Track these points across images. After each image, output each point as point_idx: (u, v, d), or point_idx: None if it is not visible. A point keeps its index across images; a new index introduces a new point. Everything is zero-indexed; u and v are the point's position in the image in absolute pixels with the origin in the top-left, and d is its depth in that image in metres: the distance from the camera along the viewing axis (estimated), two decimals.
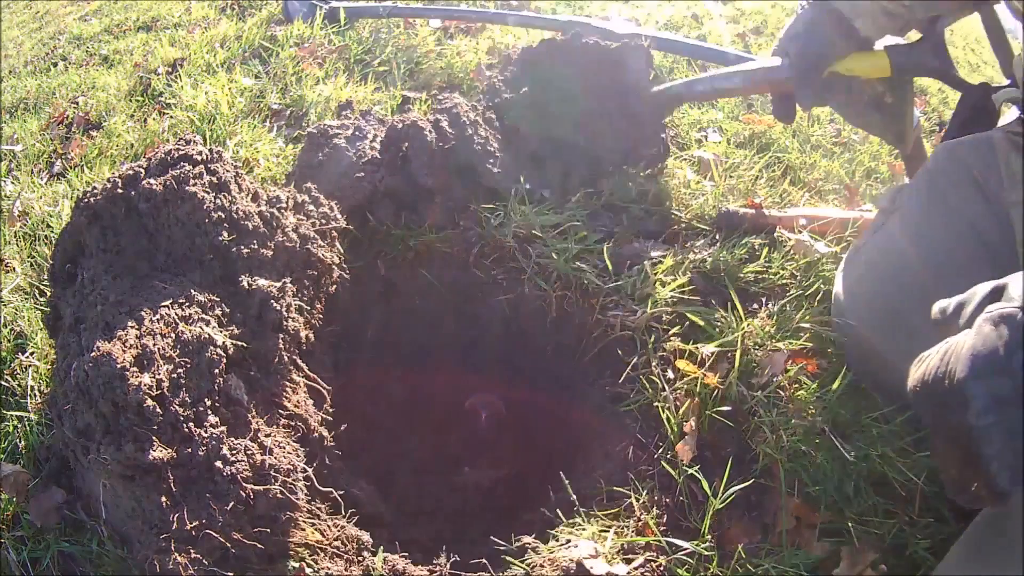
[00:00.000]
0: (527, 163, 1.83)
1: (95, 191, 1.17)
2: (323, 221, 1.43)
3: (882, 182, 2.25)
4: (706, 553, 1.08)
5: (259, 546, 0.98)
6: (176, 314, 1.06)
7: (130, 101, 2.45)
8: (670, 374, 1.33)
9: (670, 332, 1.39)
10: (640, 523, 1.13)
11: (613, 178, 1.83)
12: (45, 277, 1.54)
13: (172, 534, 0.93)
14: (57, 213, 1.79)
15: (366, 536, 1.14)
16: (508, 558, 1.10)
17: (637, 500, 1.15)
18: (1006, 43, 1.37)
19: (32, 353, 1.39)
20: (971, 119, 1.32)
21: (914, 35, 1.48)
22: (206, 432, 1.00)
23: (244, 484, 0.98)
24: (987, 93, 1.32)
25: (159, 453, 0.93)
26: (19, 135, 2.40)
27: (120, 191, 1.16)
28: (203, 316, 1.09)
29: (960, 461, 0.69)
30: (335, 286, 1.41)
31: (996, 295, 0.71)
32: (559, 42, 1.91)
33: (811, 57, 1.48)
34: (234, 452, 1.00)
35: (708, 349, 1.33)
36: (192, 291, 1.11)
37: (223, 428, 1.02)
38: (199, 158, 1.25)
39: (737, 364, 1.28)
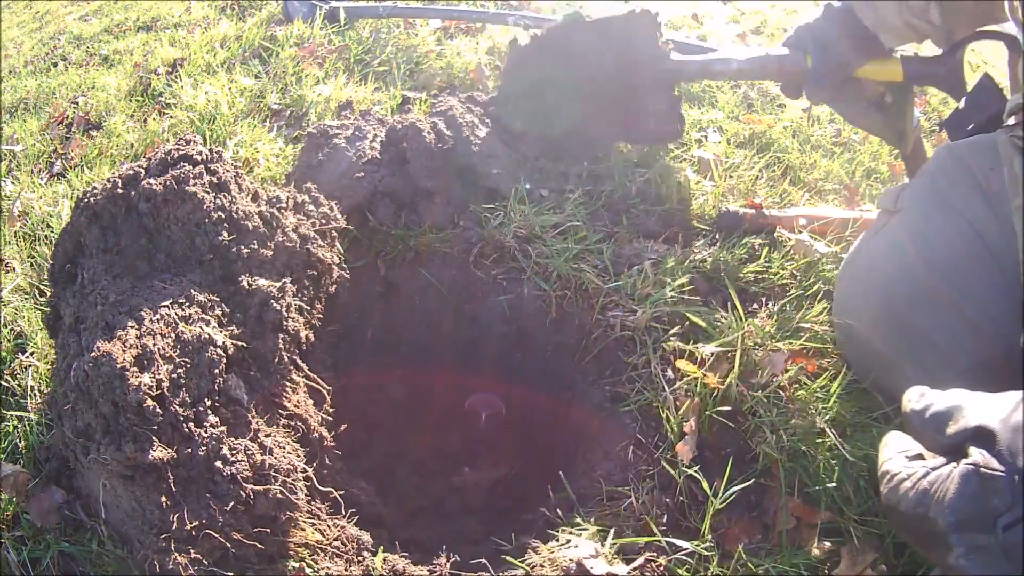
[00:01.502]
0: (529, 166, 1.83)
1: (95, 191, 1.17)
2: (323, 221, 1.43)
3: (882, 182, 2.25)
4: (706, 553, 1.08)
5: (259, 546, 0.98)
6: (176, 314, 1.06)
7: (130, 101, 2.45)
8: (670, 374, 1.33)
9: (670, 332, 1.39)
10: (640, 523, 1.13)
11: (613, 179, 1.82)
12: (45, 277, 1.53)
13: (172, 534, 0.93)
14: (57, 213, 1.80)
15: (366, 536, 1.14)
16: (508, 558, 1.10)
17: (637, 500, 1.15)
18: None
19: (32, 353, 1.39)
20: (975, 113, 1.33)
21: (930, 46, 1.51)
22: (206, 432, 1.00)
23: (244, 484, 0.98)
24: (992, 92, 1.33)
25: (159, 453, 0.93)
26: (19, 135, 2.40)
27: (120, 191, 1.16)
28: (203, 316, 1.09)
29: (936, 562, 0.73)
30: (335, 286, 1.41)
31: (985, 439, 0.71)
32: (555, 31, 1.85)
33: (832, 67, 1.53)
34: (234, 452, 1.00)
35: (708, 349, 1.33)
36: (192, 291, 1.11)
37: (223, 428, 1.02)
38: (199, 158, 1.24)
39: (737, 364, 1.28)
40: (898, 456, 0.78)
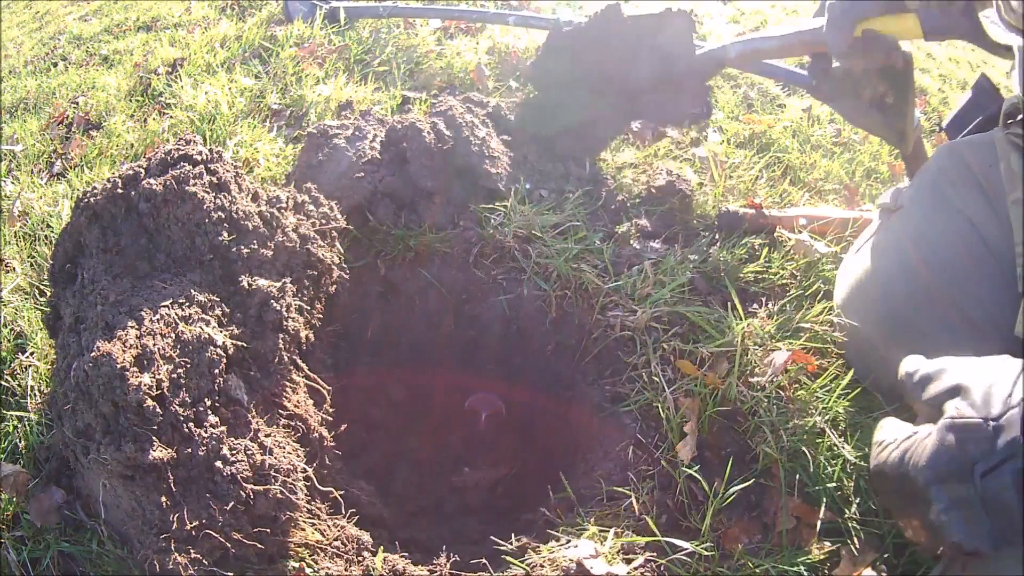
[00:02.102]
0: (529, 166, 1.83)
1: (95, 191, 1.17)
2: (323, 221, 1.43)
3: (882, 182, 2.26)
4: (706, 553, 1.08)
5: (259, 546, 0.98)
6: (176, 314, 1.06)
7: (130, 101, 2.45)
8: (670, 374, 1.33)
9: (670, 332, 1.39)
10: (640, 523, 1.13)
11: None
12: (45, 277, 1.53)
13: (172, 534, 0.93)
14: (57, 213, 1.79)
15: (366, 536, 1.14)
16: (508, 558, 1.10)
17: (637, 500, 1.15)
18: None
19: (32, 353, 1.39)
20: (976, 108, 1.32)
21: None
22: (206, 432, 1.00)
23: (244, 484, 0.98)
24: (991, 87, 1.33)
25: (159, 453, 0.93)
26: (19, 135, 2.40)
27: (120, 191, 1.16)
28: (203, 316, 1.09)
29: (923, 534, 0.73)
30: (335, 286, 1.41)
31: (962, 395, 0.73)
32: (592, 24, 1.92)
33: (846, 7, 1.49)
34: (234, 452, 1.00)
35: (708, 349, 1.33)
36: (192, 291, 1.11)
37: (223, 428, 1.02)
38: (199, 158, 1.24)
39: (737, 364, 1.28)
40: (890, 431, 0.81)
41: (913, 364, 0.84)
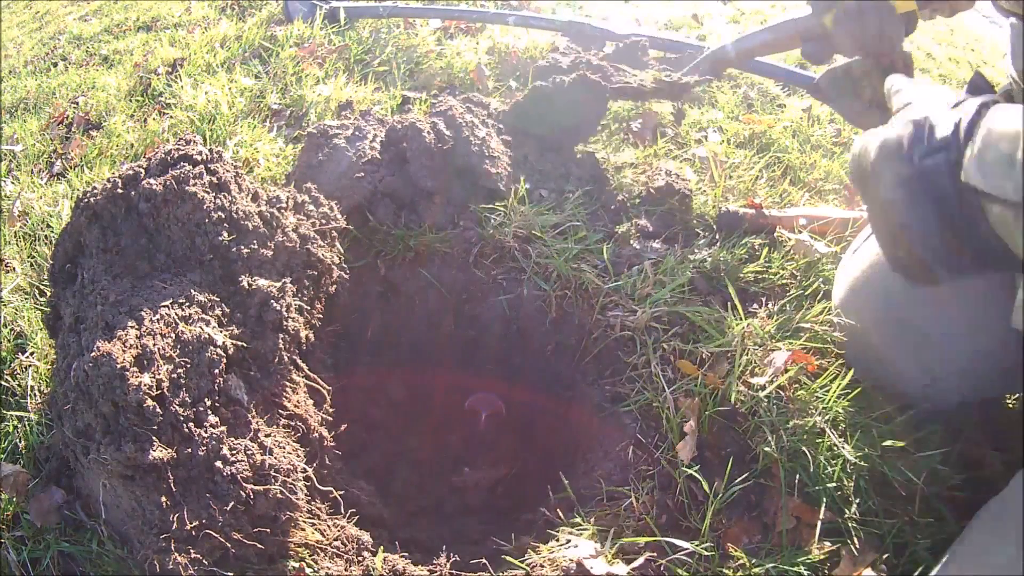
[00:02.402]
0: (529, 166, 1.84)
1: (95, 191, 1.17)
2: (323, 221, 1.43)
3: None
4: (706, 553, 1.08)
5: (259, 546, 0.98)
6: (176, 314, 1.06)
7: (130, 101, 2.45)
8: (670, 374, 1.33)
9: (670, 332, 1.39)
10: (640, 523, 1.13)
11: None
12: (45, 277, 1.54)
13: (172, 534, 0.93)
14: (57, 213, 1.80)
15: (366, 536, 1.14)
16: (508, 558, 1.10)
17: (637, 500, 1.15)
18: None
19: (32, 353, 1.39)
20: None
21: None
22: (206, 432, 1.00)
23: (244, 484, 0.98)
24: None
25: (159, 453, 0.93)
26: (19, 135, 2.40)
27: (120, 191, 1.16)
28: (203, 316, 1.09)
29: (888, 230, 0.83)
30: (335, 286, 1.41)
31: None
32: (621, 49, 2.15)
33: None
34: (234, 452, 1.01)
35: (708, 349, 1.33)
36: (192, 291, 1.11)
37: (223, 428, 1.02)
38: (199, 158, 1.24)
39: (737, 364, 1.28)
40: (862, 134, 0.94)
41: (893, 79, 0.97)
